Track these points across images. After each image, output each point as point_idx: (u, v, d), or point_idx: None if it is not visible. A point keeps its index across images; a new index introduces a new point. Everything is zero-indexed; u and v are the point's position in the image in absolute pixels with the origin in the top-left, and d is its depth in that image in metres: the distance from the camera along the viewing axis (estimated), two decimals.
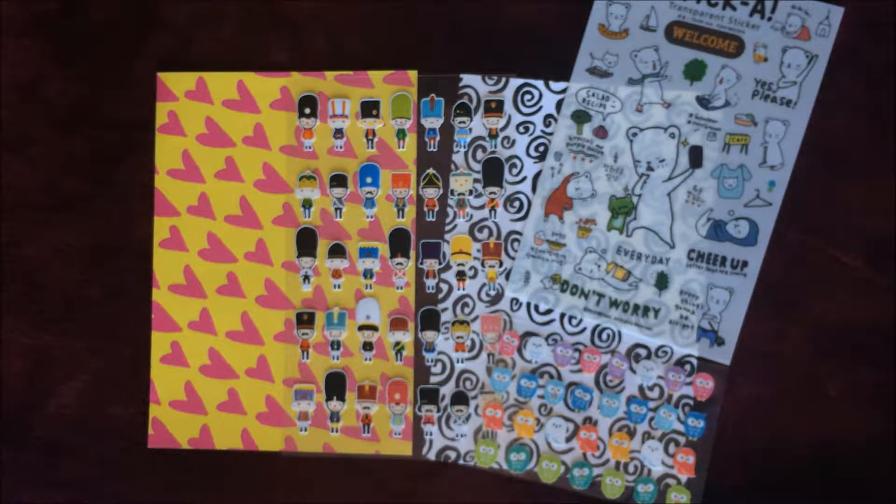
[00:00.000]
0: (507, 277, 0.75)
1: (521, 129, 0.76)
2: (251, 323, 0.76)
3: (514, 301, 0.75)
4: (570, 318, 0.75)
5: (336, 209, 0.77)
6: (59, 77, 0.77)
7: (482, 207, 0.76)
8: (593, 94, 0.76)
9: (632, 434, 0.74)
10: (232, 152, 0.77)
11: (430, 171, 0.76)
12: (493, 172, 0.76)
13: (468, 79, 0.76)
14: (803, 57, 0.74)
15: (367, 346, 0.76)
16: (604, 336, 0.75)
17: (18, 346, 0.77)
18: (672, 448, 0.73)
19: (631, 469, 0.74)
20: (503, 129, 0.76)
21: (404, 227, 0.76)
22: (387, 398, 0.75)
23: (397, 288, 0.76)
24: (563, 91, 0.76)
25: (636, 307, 0.74)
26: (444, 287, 0.76)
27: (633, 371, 0.74)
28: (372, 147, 0.77)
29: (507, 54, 0.77)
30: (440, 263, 0.76)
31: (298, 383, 0.76)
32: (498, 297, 0.76)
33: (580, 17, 0.76)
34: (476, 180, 0.76)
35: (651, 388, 0.74)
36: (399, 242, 0.76)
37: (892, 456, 0.73)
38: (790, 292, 0.74)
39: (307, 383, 0.76)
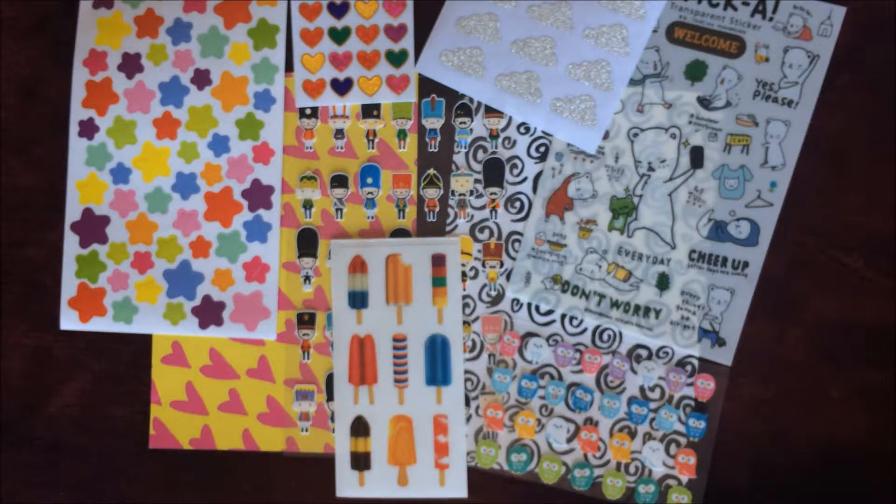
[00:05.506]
0: (508, 278, 0.75)
1: (522, 130, 0.76)
2: None
3: (515, 301, 0.75)
4: (571, 318, 0.75)
5: (337, 210, 0.76)
6: (59, 77, 0.77)
7: (483, 208, 0.76)
8: None
9: (633, 435, 0.74)
10: None
11: (431, 171, 0.76)
12: (493, 173, 0.76)
13: None
14: (805, 57, 0.74)
15: None
16: (605, 337, 0.75)
17: (18, 346, 0.76)
18: (673, 449, 0.73)
19: (632, 470, 0.74)
20: (504, 129, 0.76)
21: (405, 228, 0.76)
22: None
23: None
24: None
25: (637, 308, 0.74)
26: None
27: (634, 372, 0.74)
28: (373, 147, 0.77)
29: None
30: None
31: (299, 384, 0.76)
32: (499, 298, 0.76)
33: None
34: (477, 181, 0.76)
35: (652, 389, 0.74)
36: None
37: (893, 456, 0.73)
38: (791, 293, 0.74)
39: (308, 384, 0.76)
